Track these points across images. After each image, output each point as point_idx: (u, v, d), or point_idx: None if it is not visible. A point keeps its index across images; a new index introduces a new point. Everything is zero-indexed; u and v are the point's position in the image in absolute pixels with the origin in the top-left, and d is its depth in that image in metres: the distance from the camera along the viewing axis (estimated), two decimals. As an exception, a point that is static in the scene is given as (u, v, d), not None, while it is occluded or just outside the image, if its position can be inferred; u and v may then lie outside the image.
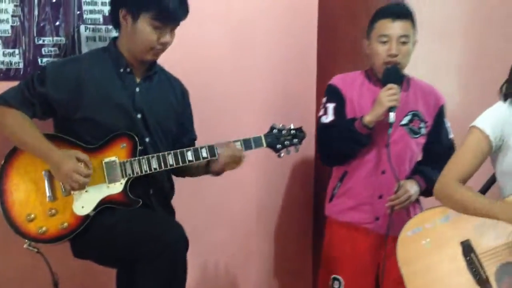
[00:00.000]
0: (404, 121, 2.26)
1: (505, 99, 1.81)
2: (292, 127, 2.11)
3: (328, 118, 2.25)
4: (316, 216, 3.01)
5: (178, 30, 1.99)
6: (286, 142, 2.09)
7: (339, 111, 2.26)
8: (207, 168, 2.13)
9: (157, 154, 1.97)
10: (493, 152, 1.81)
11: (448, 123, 2.37)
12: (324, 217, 2.43)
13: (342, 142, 2.21)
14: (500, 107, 1.80)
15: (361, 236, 2.28)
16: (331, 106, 2.27)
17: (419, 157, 2.35)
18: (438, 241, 1.83)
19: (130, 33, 1.95)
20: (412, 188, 2.20)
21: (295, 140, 2.10)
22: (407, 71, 2.82)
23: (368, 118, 2.15)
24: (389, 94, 2.13)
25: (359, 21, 2.65)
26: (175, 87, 2.16)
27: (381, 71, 2.23)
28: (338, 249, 2.33)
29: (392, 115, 2.13)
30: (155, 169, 1.95)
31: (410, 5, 2.25)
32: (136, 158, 1.94)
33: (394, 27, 2.18)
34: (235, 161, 2.05)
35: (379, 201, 2.23)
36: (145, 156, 1.95)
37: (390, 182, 2.20)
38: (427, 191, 2.25)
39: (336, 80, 2.34)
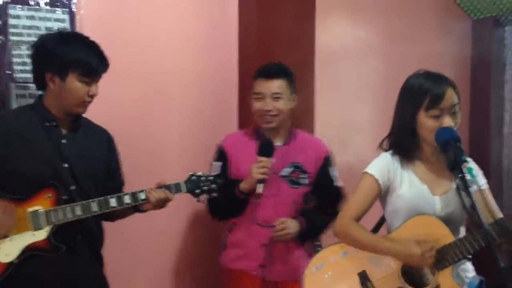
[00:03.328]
0: (284, 173, 2.45)
1: (387, 150, 2.06)
2: (210, 173, 2.25)
3: None
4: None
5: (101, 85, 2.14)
6: (205, 188, 2.21)
7: (224, 170, 2.45)
8: (136, 208, 2.22)
9: (81, 202, 2.05)
10: (382, 194, 2.02)
11: (335, 172, 2.56)
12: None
13: (224, 201, 2.40)
14: (385, 156, 2.04)
15: (249, 282, 2.45)
16: (218, 165, 2.48)
17: (299, 205, 2.50)
18: (339, 274, 1.99)
19: (58, 91, 2.08)
20: (292, 224, 2.39)
21: (213, 186, 2.22)
22: (325, 129, 3.05)
23: (243, 186, 2.36)
24: (259, 167, 2.32)
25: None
26: (101, 136, 2.28)
27: (259, 124, 2.46)
28: None
29: (259, 187, 2.32)
30: (79, 216, 2.03)
31: (283, 66, 2.48)
32: (61, 206, 2.03)
33: (267, 86, 2.41)
34: (165, 202, 2.16)
35: (264, 249, 2.42)
36: (70, 204, 2.04)
37: (273, 231, 2.39)
38: (309, 234, 2.46)
39: (225, 141, 2.54)
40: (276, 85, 2.42)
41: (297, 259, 2.46)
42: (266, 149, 2.39)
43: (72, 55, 2.06)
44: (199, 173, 2.24)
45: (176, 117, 2.84)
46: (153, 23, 2.74)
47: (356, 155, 3.25)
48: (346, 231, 1.99)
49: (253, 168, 2.33)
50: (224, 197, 2.35)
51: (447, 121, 1.86)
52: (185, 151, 2.91)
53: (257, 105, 2.44)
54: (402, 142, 1.98)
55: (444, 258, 1.84)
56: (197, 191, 2.21)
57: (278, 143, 2.46)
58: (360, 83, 3.27)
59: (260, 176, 2.32)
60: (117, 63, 2.27)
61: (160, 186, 2.16)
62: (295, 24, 2.93)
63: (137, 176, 2.37)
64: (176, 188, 2.18)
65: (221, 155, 2.52)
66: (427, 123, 1.89)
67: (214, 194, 2.23)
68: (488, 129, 3.98)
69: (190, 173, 2.24)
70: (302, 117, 2.97)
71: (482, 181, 1.97)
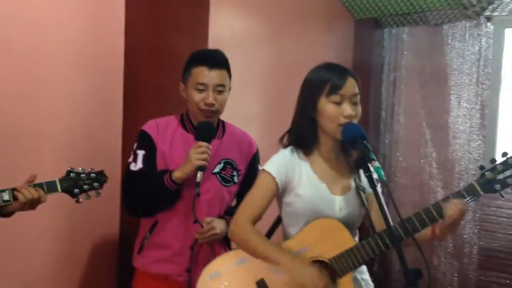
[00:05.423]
0: (216, 169, 2.23)
1: (286, 147, 1.96)
2: (92, 170, 2.01)
3: (137, 166, 2.15)
4: (122, 267, 2.88)
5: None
6: (85, 187, 1.96)
7: (149, 159, 2.17)
8: None
9: None
10: (280, 193, 1.92)
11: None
12: (132, 269, 2.31)
13: (149, 194, 2.12)
14: (284, 153, 1.94)
15: None
16: (141, 154, 2.18)
17: (229, 205, 2.31)
18: (236, 284, 1.86)
19: None
20: (219, 225, 2.16)
21: (96, 184, 1.99)
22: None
23: (177, 175, 2.09)
24: (198, 152, 2.08)
25: (166, 67, 2.70)
26: None
27: (197, 116, 2.19)
28: None
29: (199, 175, 2.08)
30: None
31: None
32: None
33: (211, 76, 2.14)
34: (32, 205, 1.87)
35: (190, 252, 2.16)
36: None
37: (198, 233, 2.14)
38: None
39: (149, 127, 2.23)
40: (221, 76, 2.17)
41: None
42: (206, 132, 2.14)
43: None
44: (79, 170, 1.98)
45: (49, 106, 2.51)
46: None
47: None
48: (243, 236, 1.86)
49: (192, 153, 2.07)
50: (149, 190, 2.09)
51: (347, 109, 1.83)
52: (61, 144, 2.60)
53: (198, 96, 2.15)
54: (302, 134, 1.91)
55: (346, 263, 1.80)
56: (75, 190, 1.95)
57: None
58: (250, 75, 3.21)
59: (201, 163, 2.07)
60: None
61: (29, 184, 1.87)
62: (188, 9, 2.75)
63: (6, 171, 2.08)
64: (49, 187, 1.89)
65: (146, 140, 2.19)
66: (328, 109, 1.84)
67: (97, 195, 1.98)
68: (366, 127, 4.13)
69: (68, 168, 1.97)
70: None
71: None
